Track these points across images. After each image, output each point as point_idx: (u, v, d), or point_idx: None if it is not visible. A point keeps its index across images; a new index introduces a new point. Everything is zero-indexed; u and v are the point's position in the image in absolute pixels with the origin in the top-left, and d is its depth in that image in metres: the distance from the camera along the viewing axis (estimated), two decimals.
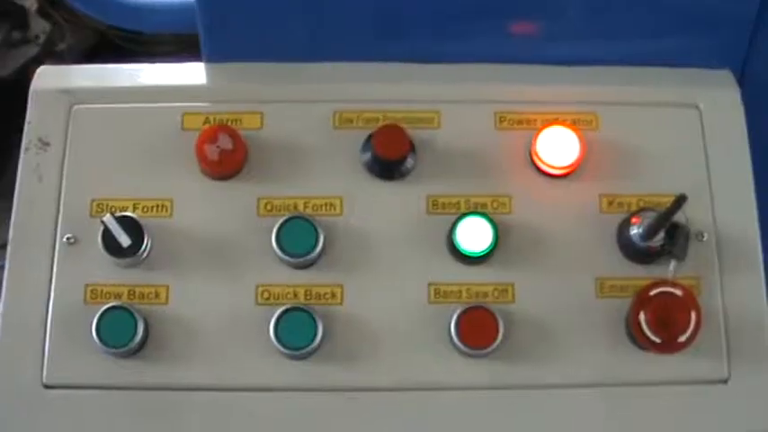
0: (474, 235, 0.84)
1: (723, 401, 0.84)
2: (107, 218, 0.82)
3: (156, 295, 0.85)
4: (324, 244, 0.84)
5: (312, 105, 0.90)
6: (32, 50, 1.52)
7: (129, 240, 0.82)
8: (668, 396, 0.84)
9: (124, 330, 0.81)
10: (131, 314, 0.82)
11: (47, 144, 0.88)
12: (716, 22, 0.92)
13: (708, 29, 0.92)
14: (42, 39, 1.51)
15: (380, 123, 0.88)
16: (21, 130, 0.89)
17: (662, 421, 0.84)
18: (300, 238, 0.84)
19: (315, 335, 0.82)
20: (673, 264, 0.83)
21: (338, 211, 0.87)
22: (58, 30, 1.52)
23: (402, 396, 0.83)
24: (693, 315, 0.81)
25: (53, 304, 0.84)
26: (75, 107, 0.89)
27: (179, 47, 1.37)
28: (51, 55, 1.53)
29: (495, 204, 0.87)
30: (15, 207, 0.86)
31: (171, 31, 1.26)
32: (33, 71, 0.92)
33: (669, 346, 0.81)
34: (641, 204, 0.87)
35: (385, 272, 0.85)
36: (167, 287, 0.85)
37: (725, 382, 0.84)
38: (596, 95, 0.91)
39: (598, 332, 0.84)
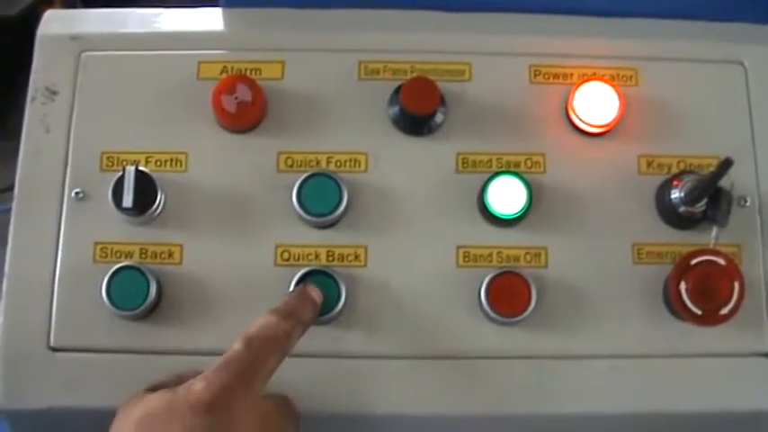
0: (506, 196, 0.80)
1: (763, 376, 0.81)
2: (129, 169, 0.78)
3: (170, 255, 0.81)
4: (347, 203, 0.80)
5: (336, 55, 0.85)
6: None
7: (130, 201, 0.78)
8: (706, 369, 0.81)
9: (135, 291, 0.78)
10: (143, 274, 0.79)
11: (54, 93, 0.84)
12: None
13: None
14: None
15: (409, 75, 0.84)
16: (28, 72, 0.85)
17: (698, 395, 0.81)
18: (323, 196, 0.80)
19: (337, 299, 0.79)
20: (715, 230, 0.80)
21: (363, 167, 0.83)
22: None
23: (428, 365, 0.80)
24: (737, 286, 0.78)
25: (61, 263, 0.81)
26: (85, 54, 0.85)
27: None
28: None
29: (528, 163, 0.83)
30: (21, 160, 0.83)
31: None
32: (42, 10, 0.88)
33: (710, 318, 0.78)
34: (681, 166, 0.84)
35: (411, 233, 0.82)
36: (181, 246, 0.81)
37: (766, 356, 0.81)
38: (636, 50, 0.87)
39: (634, 300, 0.81)
